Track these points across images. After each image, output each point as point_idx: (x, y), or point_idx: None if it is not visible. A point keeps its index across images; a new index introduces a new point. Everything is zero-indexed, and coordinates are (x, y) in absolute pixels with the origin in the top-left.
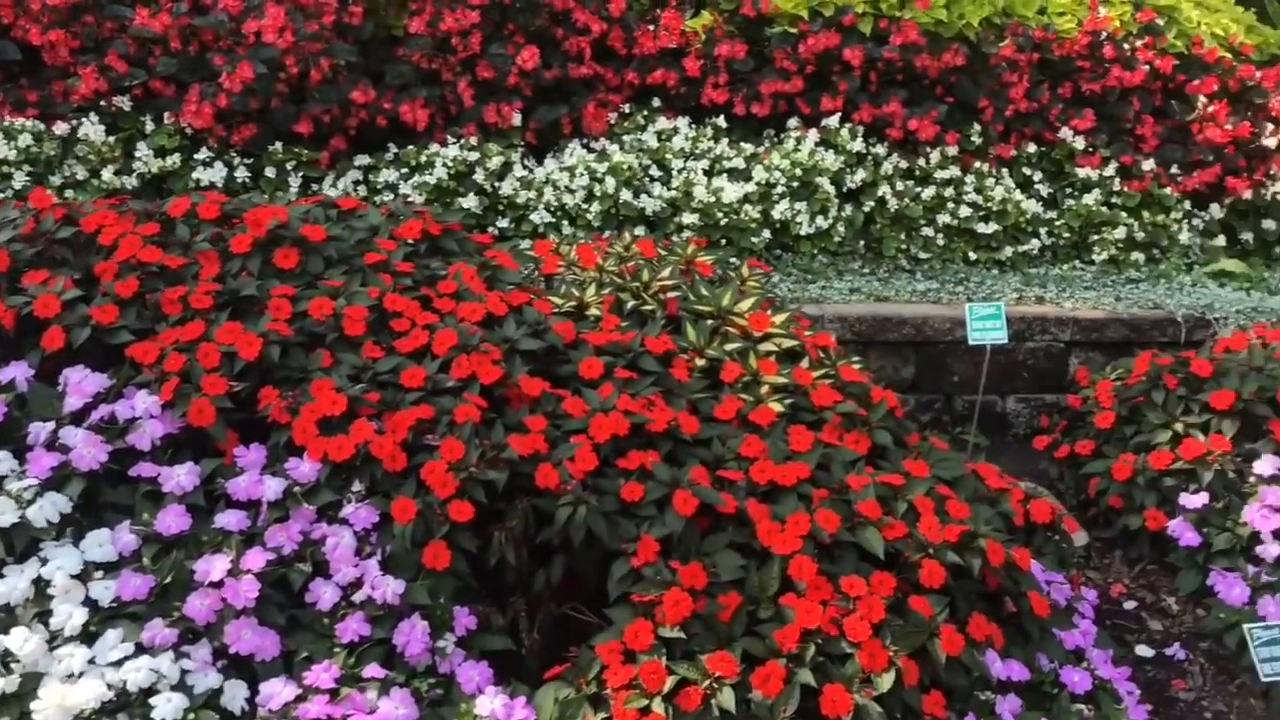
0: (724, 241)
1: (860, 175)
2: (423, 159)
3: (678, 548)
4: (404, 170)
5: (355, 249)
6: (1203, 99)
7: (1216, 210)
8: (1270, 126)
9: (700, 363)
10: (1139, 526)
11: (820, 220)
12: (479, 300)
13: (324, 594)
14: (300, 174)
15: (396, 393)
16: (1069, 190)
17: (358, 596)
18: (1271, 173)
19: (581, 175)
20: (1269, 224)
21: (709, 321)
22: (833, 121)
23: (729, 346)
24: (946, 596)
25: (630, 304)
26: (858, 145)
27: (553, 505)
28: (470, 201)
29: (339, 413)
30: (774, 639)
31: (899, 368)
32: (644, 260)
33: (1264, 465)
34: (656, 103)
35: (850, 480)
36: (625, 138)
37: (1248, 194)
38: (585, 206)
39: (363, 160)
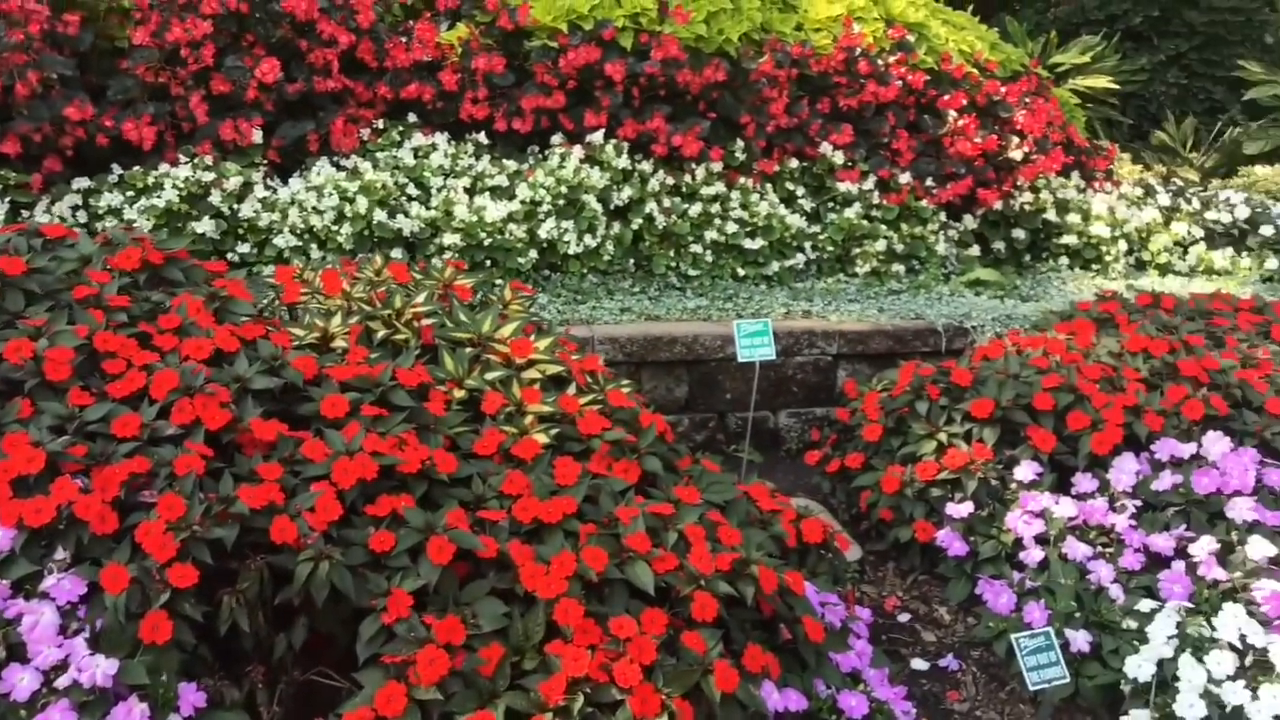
0: (489, 263)
1: (627, 192)
2: (150, 181)
3: (434, 599)
4: (130, 193)
5: (63, 282)
6: (953, 113)
7: (970, 221)
8: (1015, 140)
9: (459, 394)
10: (909, 538)
11: (588, 239)
12: (206, 335)
13: (20, 682)
14: (8, 199)
15: (108, 444)
16: (831, 204)
17: (62, 681)
18: (1019, 184)
19: (330, 195)
20: (1019, 233)
21: (468, 349)
22: (597, 138)
23: (490, 376)
24: (720, 629)
25: (381, 333)
26: (623, 162)
27: (292, 562)
28: (205, 225)
29: (37, 470)
30: (539, 692)
31: (672, 387)
32: (397, 285)
33: (1023, 471)
34: (413, 118)
35: (619, 513)
36: (380, 155)
37: (998, 204)
38: (335, 228)
39: (83, 183)
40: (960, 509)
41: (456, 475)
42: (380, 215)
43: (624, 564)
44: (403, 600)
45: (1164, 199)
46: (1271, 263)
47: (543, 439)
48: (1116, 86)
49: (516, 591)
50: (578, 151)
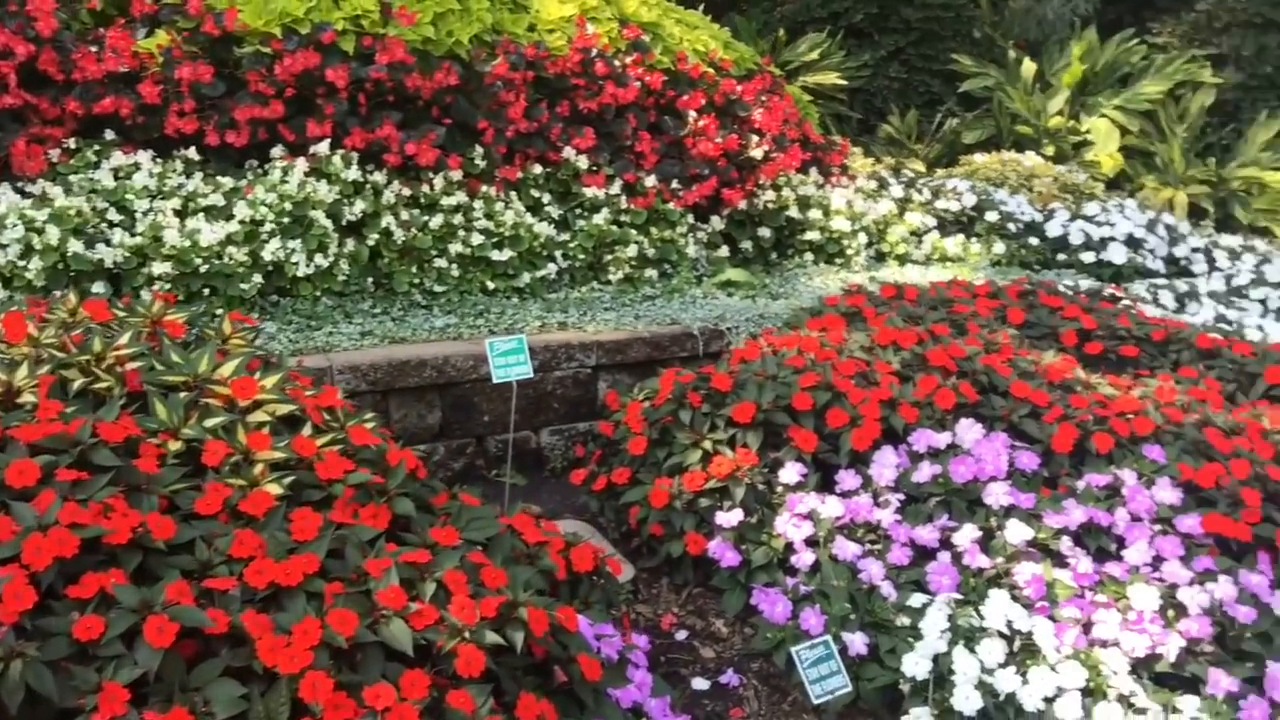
0: (208, 291)
1: (360, 206)
2: None
3: (157, 689)
4: None
5: None
6: (693, 114)
7: (718, 222)
8: (755, 138)
9: (175, 446)
10: (681, 552)
11: (320, 259)
12: None
13: None
14: None
15: None
16: (579, 211)
17: None
18: (761, 182)
19: (15, 226)
20: (764, 231)
21: (183, 394)
22: (323, 148)
23: (211, 422)
24: (490, 682)
25: (78, 383)
26: (354, 173)
27: None
28: None
29: None
30: None
31: (424, 414)
32: (97, 326)
33: (788, 473)
34: (111, 135)
35: (369, 566)
36: (73, 178)
37: (743, 204)
38: (23, 264)
39: None
40: (730, 517)
41: (176, 541)
42: (76, 246)
43: (377, 624)
44: (117, 695)
45: (897, 191)
46: (999, 247)
47: (276, 490)
48: (844, 82)
49: (255, 669)
50: (301, 164)
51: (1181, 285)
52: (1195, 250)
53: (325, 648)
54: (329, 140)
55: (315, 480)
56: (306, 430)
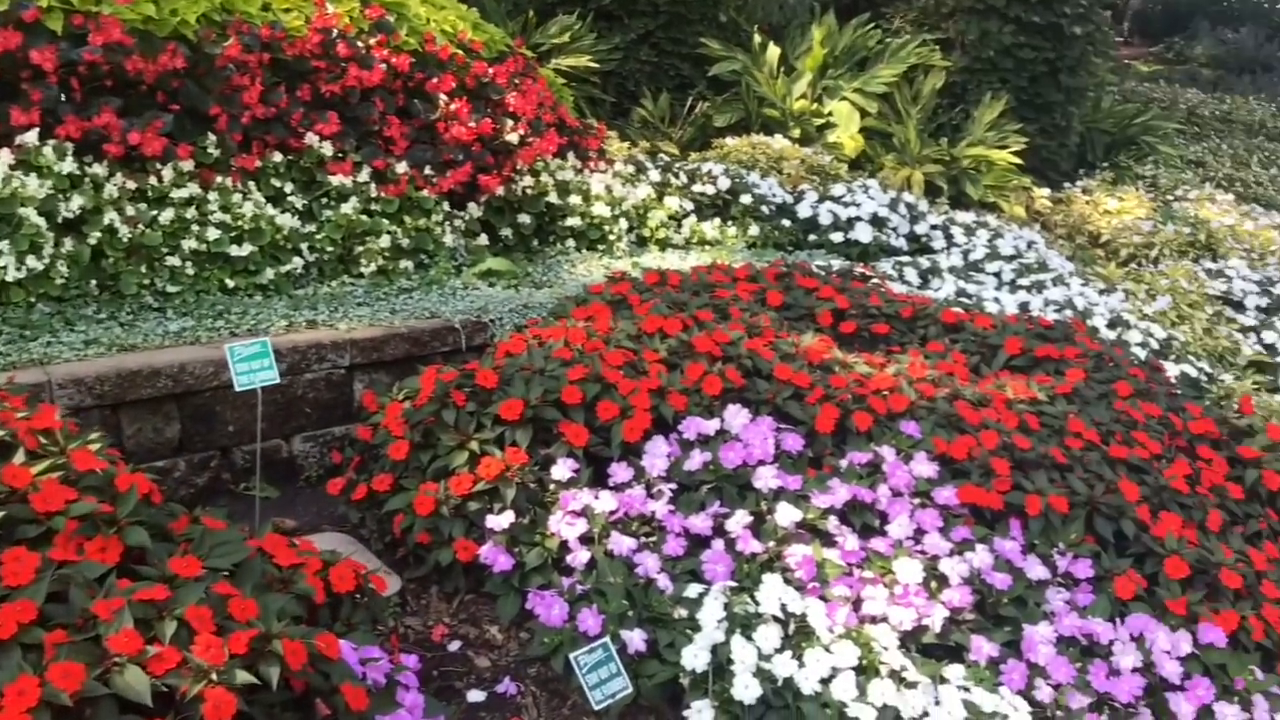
0: None
1: (78, 202)
2: None
3: None
4: None
5: None
6: (443, 97)
7: (475, 209)
8: (510, 122)
9: None
10: (451, 560)
11: (33, 261)
12: None
13: None
14: None
15: None
16: (326, 201)
17: None
18: (519, 168)
19: None
20: (524, 218)
21: None
22: (31, 138)
23: None
24: None
25: None
26: (69, 166)
27: None
28: None
29: None
30: None
31: (161, 428)
32: None
33: (560, 470)
34: None
35: (98, 608)
36: None
37: (500, 190)
38: None
39: None
40: (501, 520)
41: None
42: None
43: (109, 674)
44: None
45: (655, 175)
46: (754, 229)
47: None
48: (596, 65)
49: None
50: (6, 156)
51: (924, 262)
52: (934, 227)
53: (47, 707)
54: (38, 130)
55: (30, 514)
56: (18, 457)
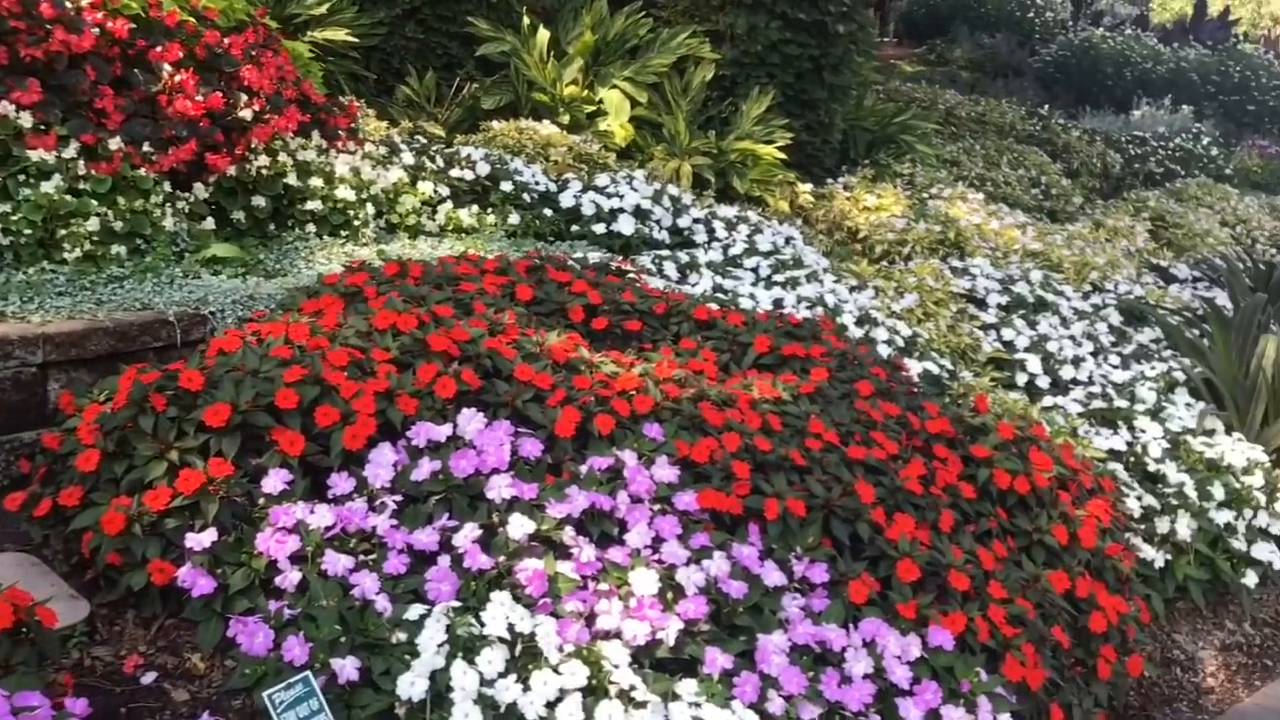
0: None
1: None
2: None
3: None
4: None
5: None
6: (168, 67)
7: (202, 190)
8: (245, 97)
9: None
10: (145, 583)
11: None
12: None
13: None
14: None
15: None
16: (23, 178)
17: None
18: (253, 146)
19: None
20: (260, 201)
21: None
22: None
23: None
24: None
25: None
26: None
27: None
28: None
29: None
30: None
31: None
32: None
33: (272, 482)
34: None
35: None
36: None
37: (232, 170)
38: None
39: None
40: (201, 539)
41: None
42: None
43: None
44: None
45: (409, 158)
46: (514, 218)
47: None
48: (356, 40)
49: None
50: None
51: (684, 256)
52: (696, 221)
53: None
54: None
55: None
56: None
